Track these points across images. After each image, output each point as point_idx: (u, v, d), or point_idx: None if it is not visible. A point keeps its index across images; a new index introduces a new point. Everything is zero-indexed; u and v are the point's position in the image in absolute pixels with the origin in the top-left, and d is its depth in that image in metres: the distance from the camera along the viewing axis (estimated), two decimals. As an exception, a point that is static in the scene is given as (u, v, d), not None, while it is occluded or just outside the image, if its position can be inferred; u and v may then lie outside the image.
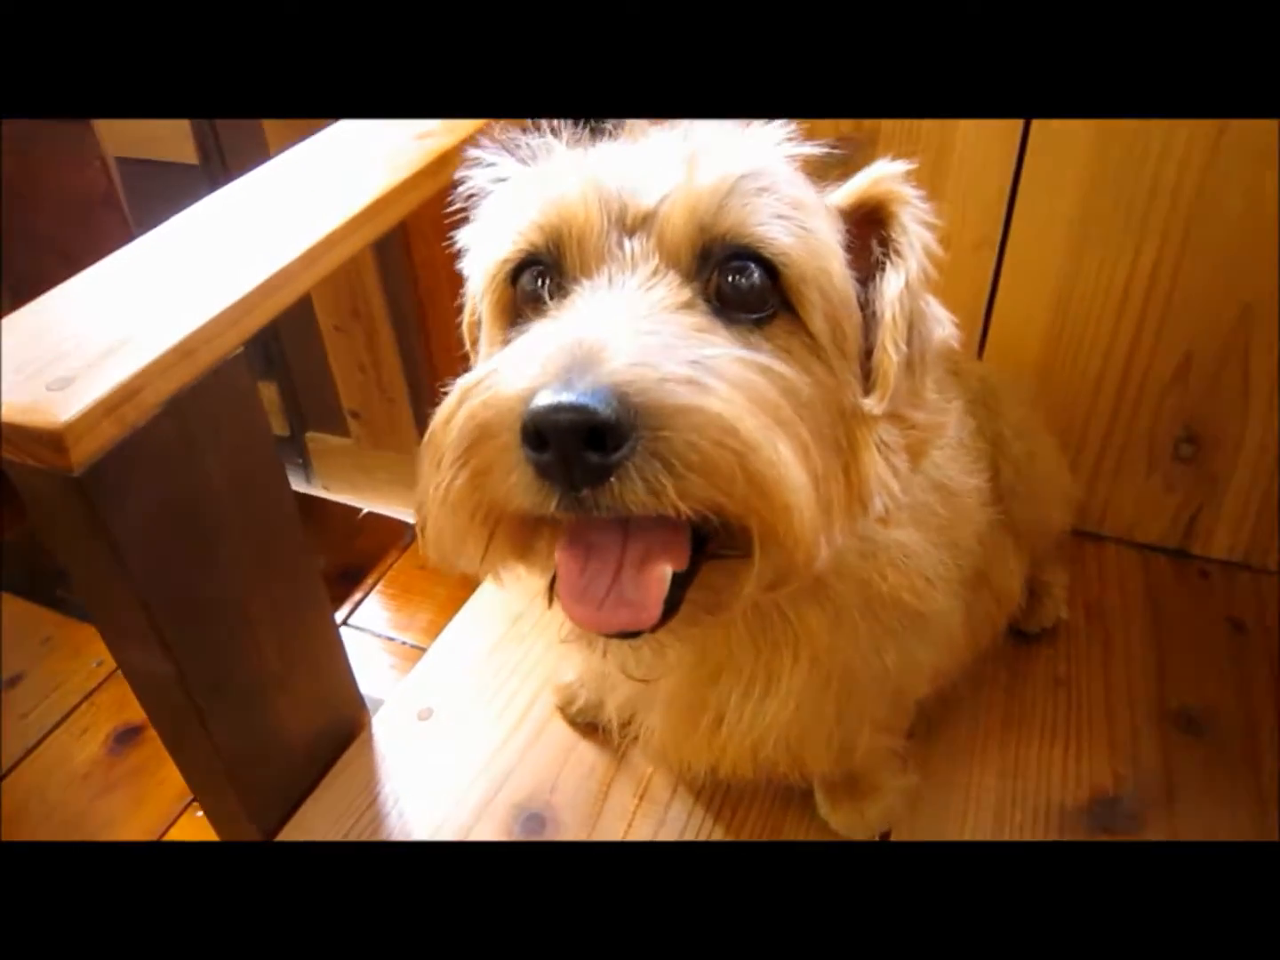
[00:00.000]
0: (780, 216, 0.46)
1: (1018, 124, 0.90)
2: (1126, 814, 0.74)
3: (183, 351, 0.56)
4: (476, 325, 0.58)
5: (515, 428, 0.40)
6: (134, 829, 1.33)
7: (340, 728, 0.79)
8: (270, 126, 1.55)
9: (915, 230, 0.50)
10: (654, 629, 0.44)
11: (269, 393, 1.83)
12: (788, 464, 0.42)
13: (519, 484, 0.41)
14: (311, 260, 0.64)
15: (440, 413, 0.45)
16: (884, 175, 0.52)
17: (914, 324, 0.49)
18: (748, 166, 0.47)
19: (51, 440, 0.50)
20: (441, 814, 0.75)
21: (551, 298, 0.49)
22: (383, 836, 0.73)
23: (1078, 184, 0.90)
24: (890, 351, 0.48)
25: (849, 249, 0.51)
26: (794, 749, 0.64)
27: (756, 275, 0.46)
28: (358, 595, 1.62)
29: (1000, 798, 0.75)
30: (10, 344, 0.56)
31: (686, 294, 0.46)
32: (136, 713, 1.49)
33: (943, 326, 0.52)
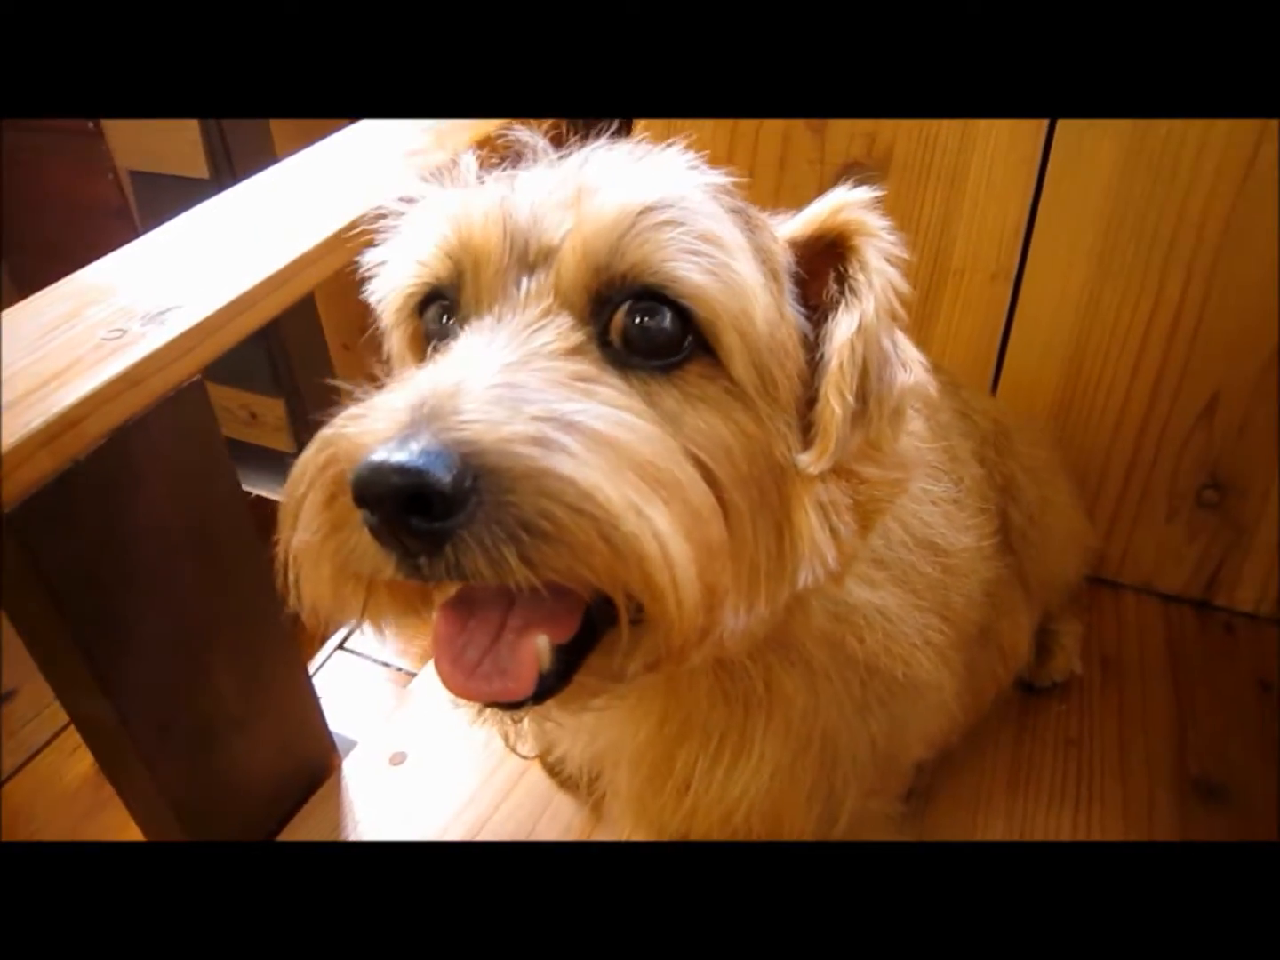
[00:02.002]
0: (690, 253, 0.42)
1: (1036, 151, 0.86)
2: (1138, 891, 0.69)
3: (131, 380, 0.53)
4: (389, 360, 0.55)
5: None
6: (119, 853, 1.30)
7: (307, 771, 0.75)
8: (280, 141, 1.53)
9: (877, 265, 0.45)
10: (537, 700, 0.41)
11: (276, 409, 1.82)
12: (660, 534, 0.37)
13: (360, 545, 0.38)
14: (278, 283, 0.61)
15: (298, 462, 0.41)
16: (846, 203, 0.47)
17: (871, 369, 0.44)
18: (652, 198, 0.42)
19: (-21, 473, 0.47)
20: (407, 867, 0.71)
21: (448, 337, 0.45)
22: (343, 890, 0.69)
23: (1099, 215, 0.86)
24: (833, 404, 0.43)
25: (804, 282, 0.47)
26: (770, 817, 0.59)
27: (666, 318, 0.42)
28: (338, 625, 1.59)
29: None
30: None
31: (577, 338, 0.42)
32: (128, 733, 1.46)
33: (909, 371, 0.46)
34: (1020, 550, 0.73)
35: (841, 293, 0.45)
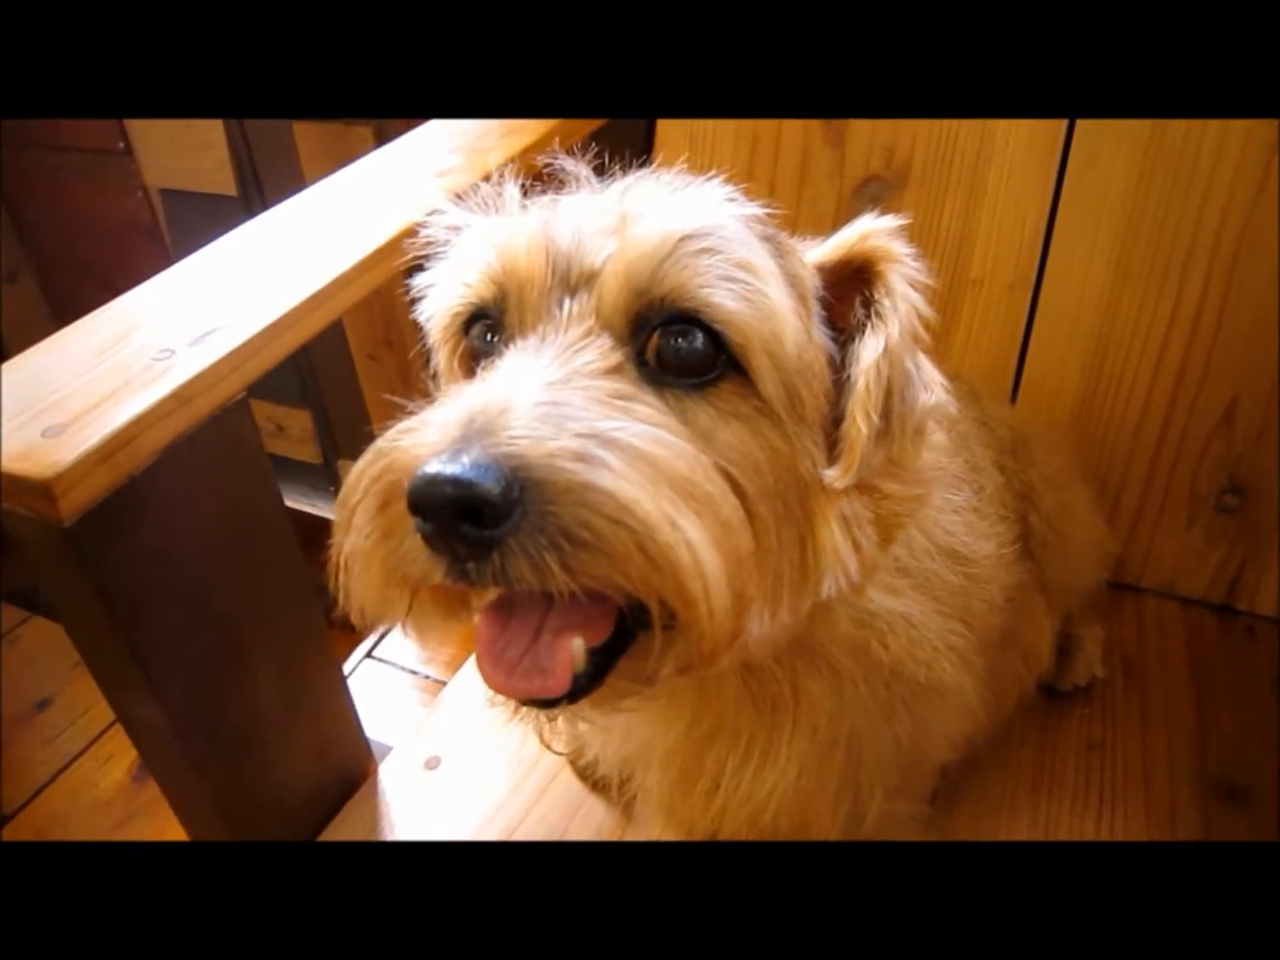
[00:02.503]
0: (726, 279, 0.44)
1: (1054, 159, 0.87)
2: (1162, 891, 0.70)
3: (181, 398, 0.55)
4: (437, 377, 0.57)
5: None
6: (153, 860, 1.33)
7: (344, 776, 0.77)
8: (305, 157, 1.56)
9: (901, 290, 0.47)
10: (571, 699, 0.43)
11: (302, 420, 1.84)
12: (693, 545, 0.40)
13: (412, 550, 0.40)
14: (316, 304, 0.63)
15: (353, 470, 0.44)
16: (871, 230, 0.49)
17: (895, 390, 0.46)
18: (691, 226, 0.44)
19: (41, 490, 0.49)
20: (443, 869, 0.72)
21: (494, 355, 0.47)
22: (382, 891, 0.71)
23: (1116, 224, 0.87)
24: (859, 423, 0.45)
25: (831, 306, 0.49)
26: (797, 817, 0.61)
27: (699, 339, 0.44)
28: (384, 626, 1.61)
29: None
30: (8, 388, 0.56)
31: (616, 358, 0.44)
32: (161, 740, 1.49)
33: (931, 392, 0.49)
34: (1040, 556, 0.75)
35: (867, 316, 0.48)
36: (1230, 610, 0.93)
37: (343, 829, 0.75)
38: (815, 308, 0.48)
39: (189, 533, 0.59)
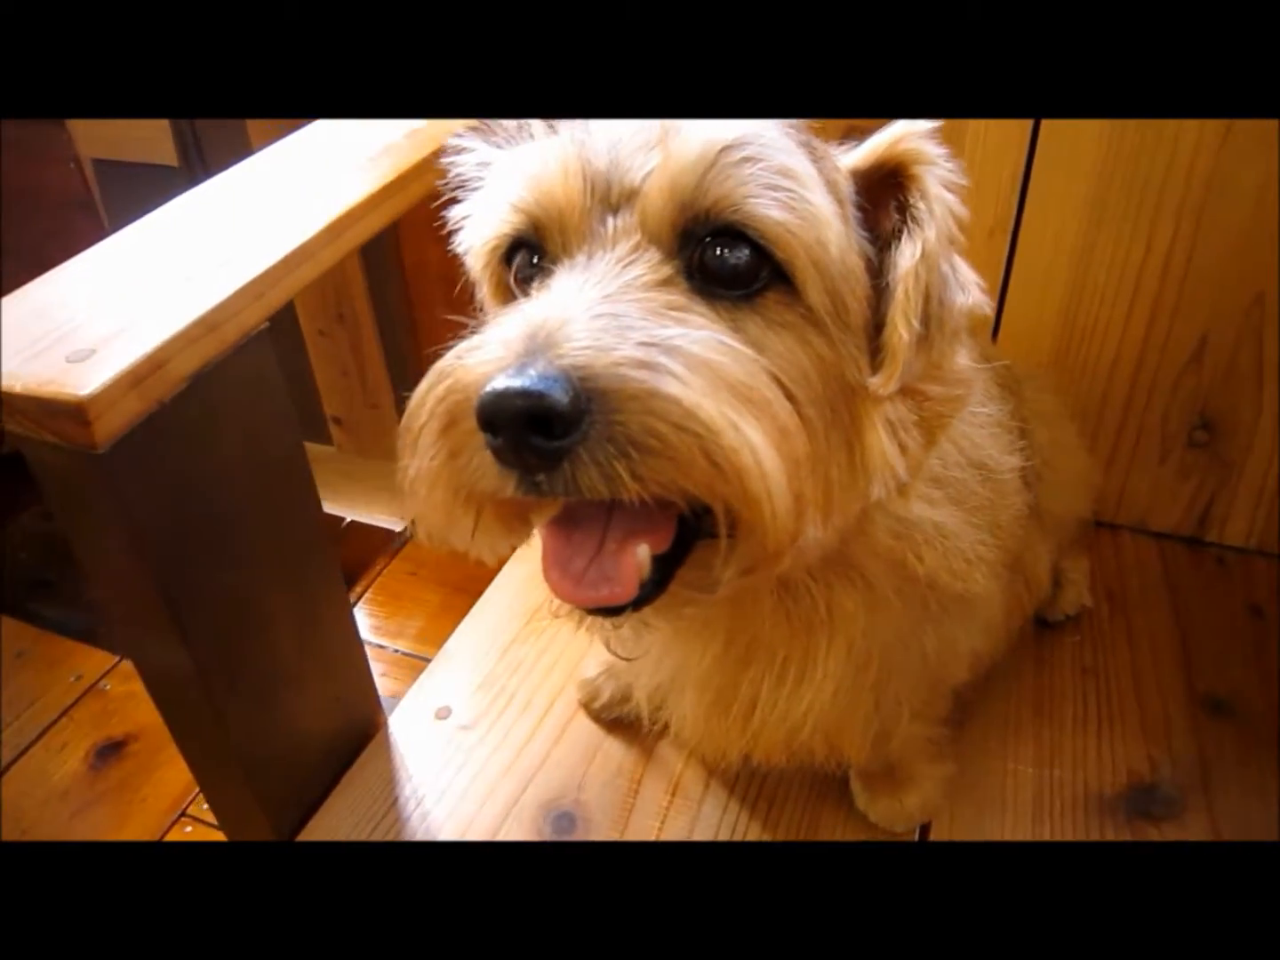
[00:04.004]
0: (769, 188, 0.44)
1: (1030, 110, 0.90)
2: (1164, 799, 0.73)
3: (208, 325, 0.53)
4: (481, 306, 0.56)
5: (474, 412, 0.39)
6: (118, 846, 1.28)
7: (357, 728, 0.76)
8: (254, 126, 1.52)
9: (936, 193, 0.46)
10: (636, 607, 0.44)
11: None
12: (755, 448, 0.40)
13: (481, 466, 0.41)
14: (335, 234, 0.62)
15: (416, 393, 0.44)
16: (905, 134, 0.48)
17: (933, 293, 0.46)
18: (732, 136, 0.44)
19: (75, 413, 0.47)
20: (466, 814, 0.72)
21: (540, 277, 0.47)
22: (405, 839, 0.70)
23: (1090, 169, 0.90)
24: (901, 330, 0.46)
25: (866, 212, 0.49)
26: (831, 736, 0.62)
27: (745, 250, 0.44)
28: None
29: (1038, 786, 0.74)
30: (20, 316, 0.53)
31: (666, 271, 0.44)
32: (118, 728, 1.44)
33: (967, 293, 0.49)
34: (1036, 487, 0.77)
35: (904, 221, 0.47)
36: (1201, 542, 0.97)
37: (357, 781, 0.74)
38: (853, 213, 0.48)
39: (214, 467, 0.57)
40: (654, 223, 0.44)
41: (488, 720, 0.79)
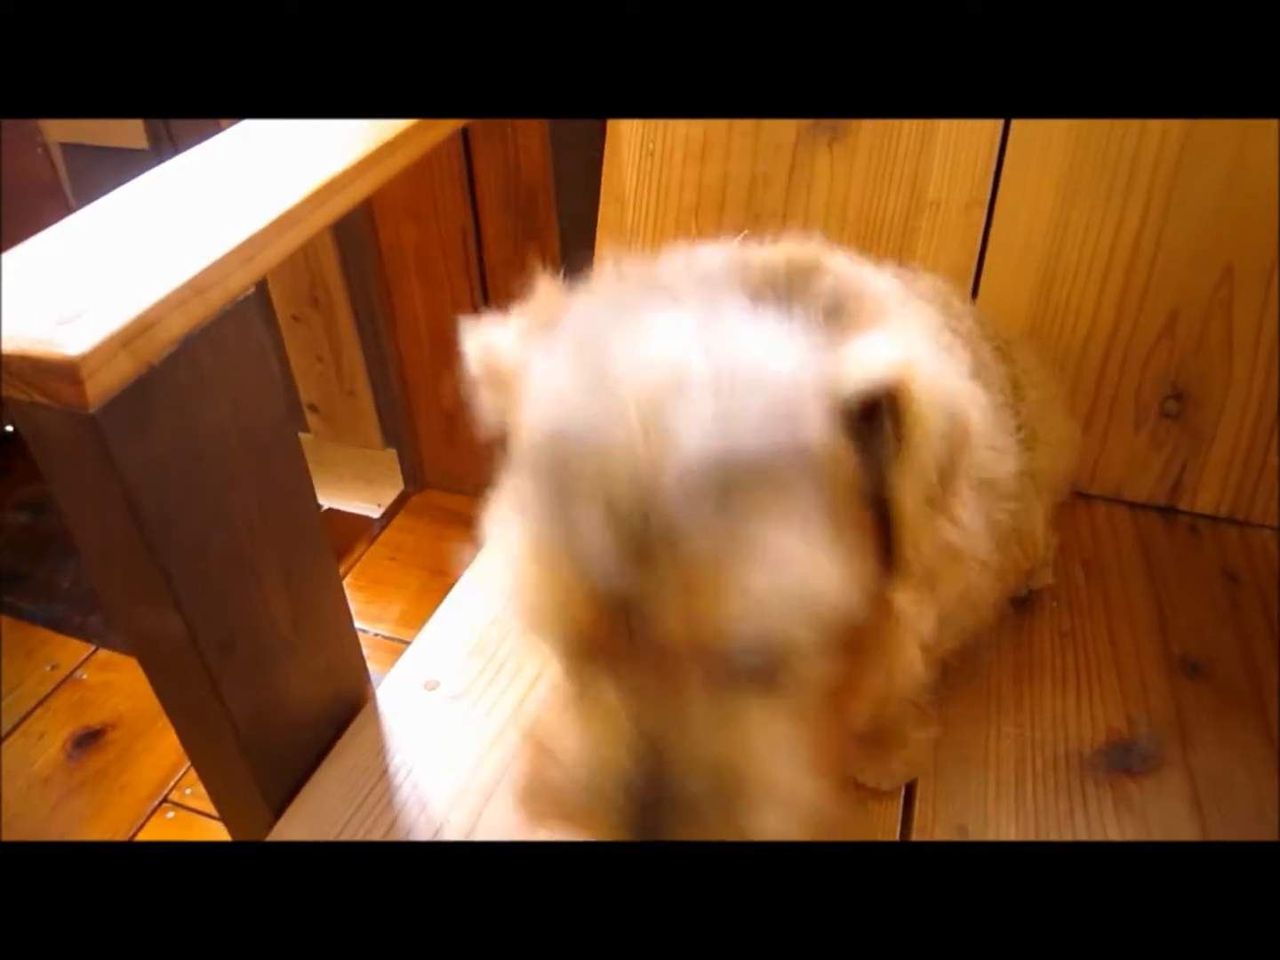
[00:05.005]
0: (790, 609, 0.39)
1: (1005, 86, 0.91)
2: (1142, 755, 0.75)
3: (196, 288, 0.53)
4: None
5: None
6: (99, 835, 1.27)
7: (346, 699, 0.76)
8: (226, 108, 1.50)
9: (931, 428, 0.41)
10: None
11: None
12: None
13: None
14: (320, 200, 0.62)
15: None
16: (895, 361, 0.41)
17: (937, 522, 0.43)
18: (754, 564, 0.38)
19: (67, 372, 0.47)
20: (459, 780, 0.72)
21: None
22: (397, 806, 0.70)
23: (1064, 146, 0.91)
24: (910, 557, 0.43)
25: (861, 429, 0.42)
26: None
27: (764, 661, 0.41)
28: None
29: (1020, 746, 0.75)
30: (9, 279, 0.53)
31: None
32: (95, 717, 1.43)
33: (966, 509, 0.45)
34: (1030, 447, 0.78)
35: (899, 440, 0.41)
36: (1174, 511, 0.99)
37: (348, 750, 0.74)
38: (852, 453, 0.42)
39: (204, 432, 0.57)
40: (673, 656, 0.40)
41: (478, 689, 0.79)
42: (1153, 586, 0.90)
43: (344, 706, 0.76)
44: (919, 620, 0.47)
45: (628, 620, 0.39)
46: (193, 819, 1.29)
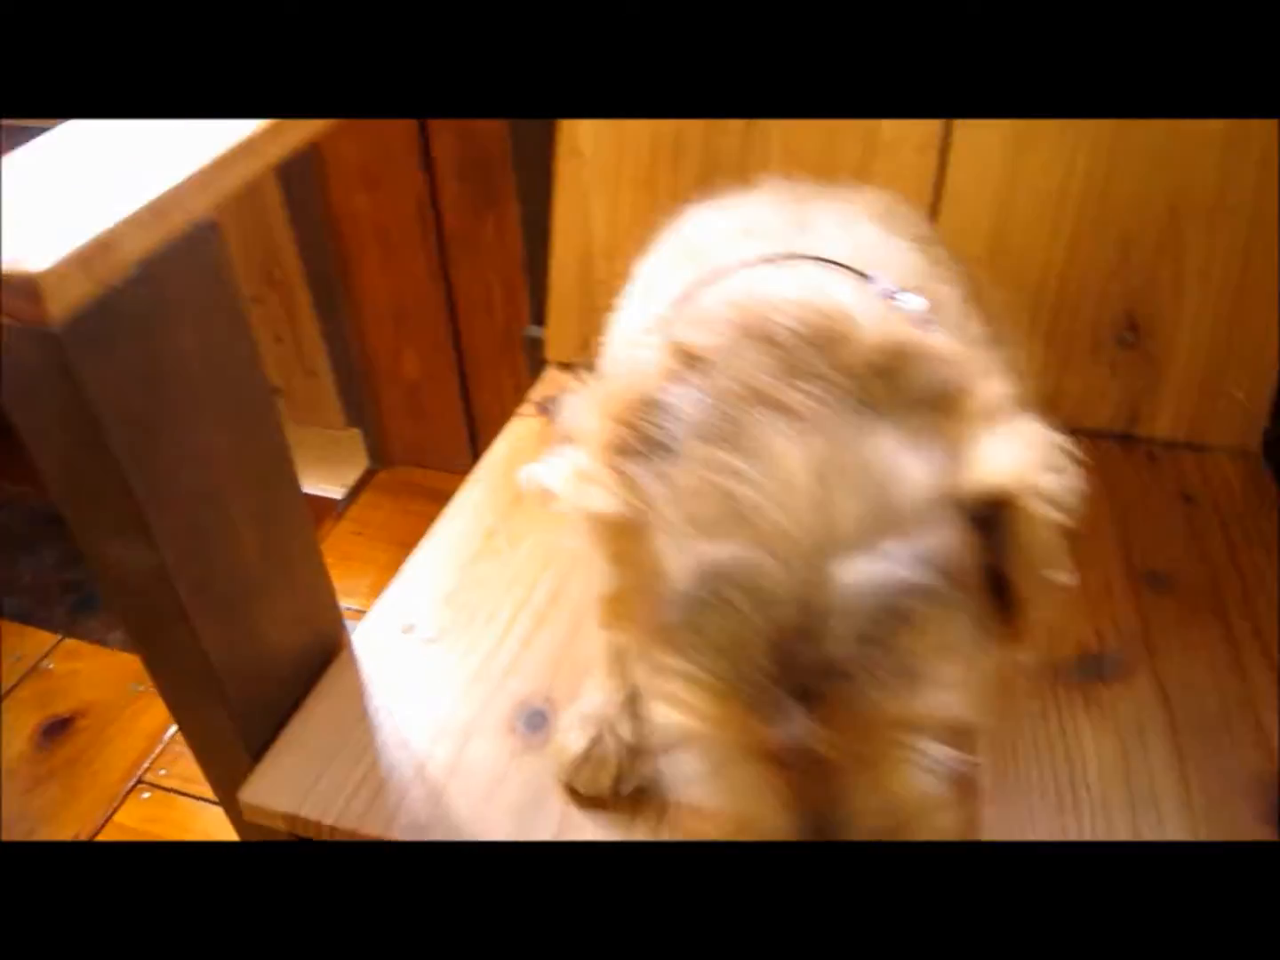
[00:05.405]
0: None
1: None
2: (1112, 664, 0.76)
3: (155, 209, 0.53)
4: None
5: None
6: (74, 820, 1.26)
7: (322, 644, 0.75)
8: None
9: (1042, 525, 0.43)
10: None
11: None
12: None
13: None
14: (278, 130, 0.61)
15: None
16: (1014, 472, 0.42)
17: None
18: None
19: (29, 289, 0.47)
20: (439, 718, 0.72)
21: None
22: (378, 745, 0.70)
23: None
24: (1028, 629, 0.45)
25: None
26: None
27: None
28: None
29: (997, 665, 0.77)
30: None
31: None
32: (63, 705, 1.41)
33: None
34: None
35: (1015, 538, 0.43)
36: (1132, 438, 1.01)
37: (328, 693, 0.74)
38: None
39: (169, 357, 0.57)
40: None
41: (454, 633, 0.79)
42: (1114, 509, 0.92)
43: (320, 652, 0.75)
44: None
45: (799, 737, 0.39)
46: (170, 799, 1.27)
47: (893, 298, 0.53)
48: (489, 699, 0.73)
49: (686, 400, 0.43)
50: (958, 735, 0.43)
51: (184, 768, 1.31)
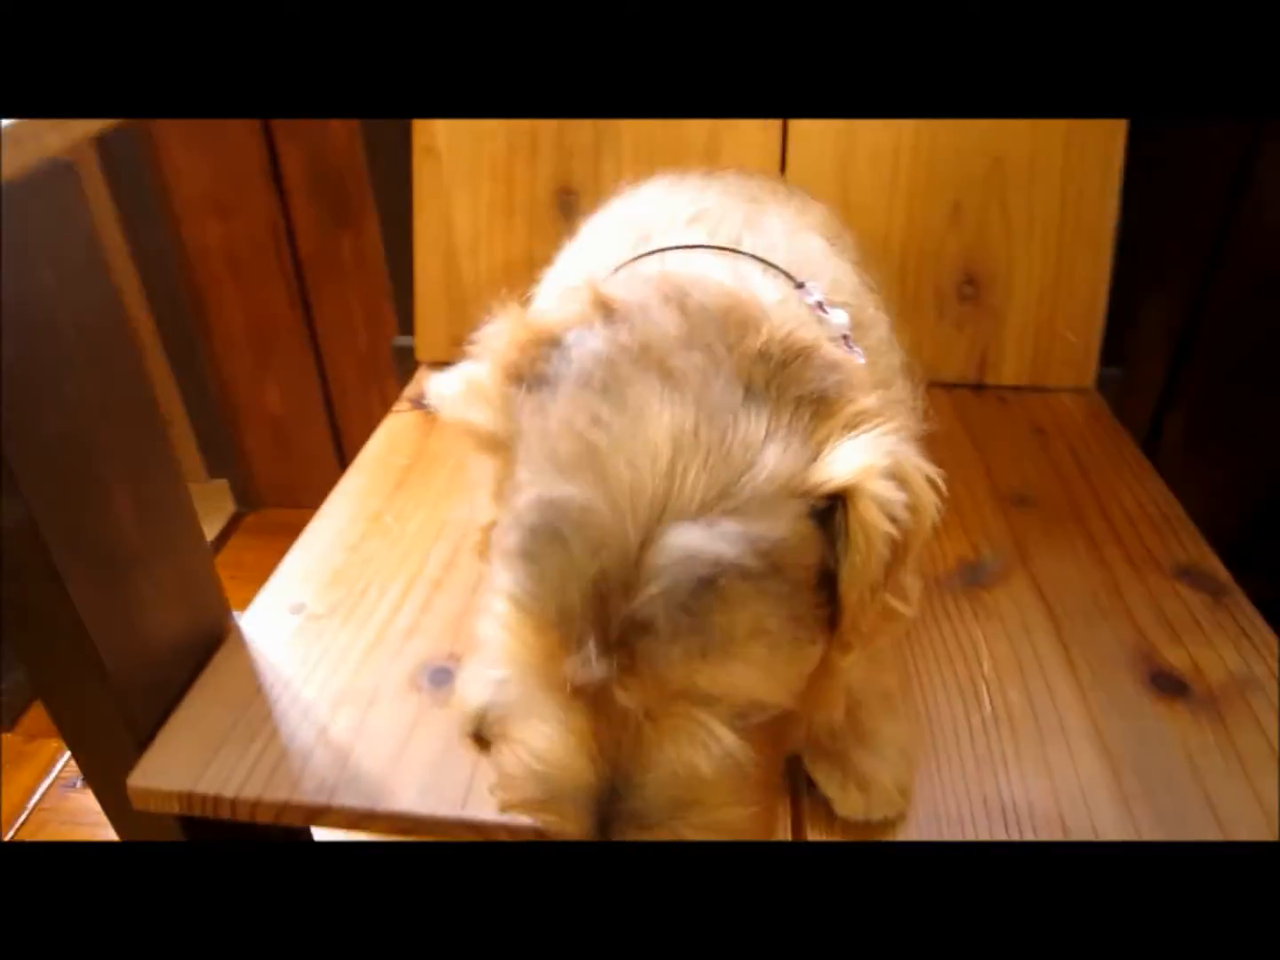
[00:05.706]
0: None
1: None
2: (989, 571, 0.80)
3: (11, 136, 0.51)
4: None
5: None
6: None
7: (206, 629, 0.72)
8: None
9: (876, 526, 0.42)
10: None
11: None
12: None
13: None
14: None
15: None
16: (855, 472, 0.42)
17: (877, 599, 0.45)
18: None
19: None
20: (339, 687, 0.70)
21: None
22: (277, 716, 0.67)
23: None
24: (849, 636, 0.45)
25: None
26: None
27: None
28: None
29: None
30: None
31: None
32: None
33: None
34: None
35: (847, 531, 0.43)
36: (983, 386, 1.08)
37: (219, 671, 0.70)
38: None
39: (29, 298, 0.54)
40: None
41: (345, 608, 0.77)
42: (975, 445, 0.98)
43: (206, 636, 0.72)
44: (851, 671, 0.49)
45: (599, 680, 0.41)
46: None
47: (820, 309, 0.56)
48: (389, 662, 0.71)
49: (584, 346, 0.45)
50: (775, 728, 0.45)
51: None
